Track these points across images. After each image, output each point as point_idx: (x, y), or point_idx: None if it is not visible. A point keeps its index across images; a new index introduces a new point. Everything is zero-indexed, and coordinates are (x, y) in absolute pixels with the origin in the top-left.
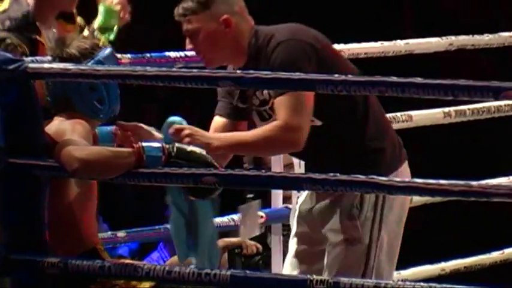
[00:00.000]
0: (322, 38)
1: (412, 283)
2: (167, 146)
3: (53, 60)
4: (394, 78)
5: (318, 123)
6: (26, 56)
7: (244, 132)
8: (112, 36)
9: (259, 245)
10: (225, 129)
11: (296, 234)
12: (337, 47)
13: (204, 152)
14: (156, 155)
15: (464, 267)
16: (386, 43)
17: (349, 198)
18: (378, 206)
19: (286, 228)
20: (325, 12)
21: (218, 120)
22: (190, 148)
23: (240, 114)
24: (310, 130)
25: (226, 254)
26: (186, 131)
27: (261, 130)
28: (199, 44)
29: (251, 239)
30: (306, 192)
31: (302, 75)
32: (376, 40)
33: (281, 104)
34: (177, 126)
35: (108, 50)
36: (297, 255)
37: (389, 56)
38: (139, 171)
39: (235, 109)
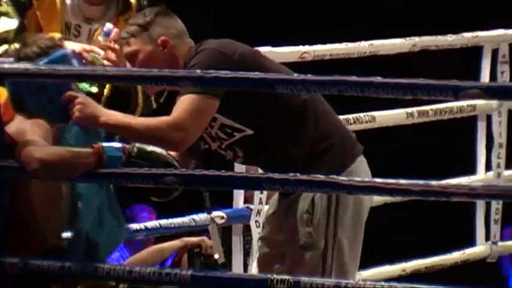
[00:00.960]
0: (248, 53)
1: (373, 282)
2: (127, 146)
3: (15, 61)
4: (354, 78)
5: (249, 132)
6: None
7: (135, 117)
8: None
9: None
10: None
11: (261, 238)
12: (302, 49)
13: (164, 152)
14: (116, 155)
15: (425, 267)
16: (350, 44)
17: (302, 204)
18: (331, 210)
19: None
20: (290, 16)
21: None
22: (150, 148)
23: None
24: (246, 140)
25: (186, 254)
26: (79, 99)
27: (149, 120)
28: (138, 64)
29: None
30: (276, 196)
31: (262, 75)
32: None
33: (179, 102)
34: (71, 93)
35: (63, 51)
36: (262, 257)
37: (365, 57)
38: (100, 171)
39: None
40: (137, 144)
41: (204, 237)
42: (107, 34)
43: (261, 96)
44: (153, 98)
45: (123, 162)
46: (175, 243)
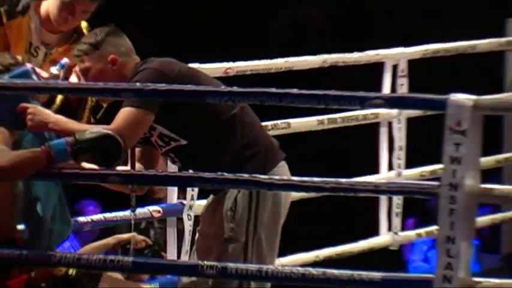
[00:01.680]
0: (186, 71)
1: (290, 267)
2: (68, 138)
3: None
4: (273, 90)
5: (183, 142)
6: None
7: (80, 123)
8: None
9: (148, 239)
10: (143, 152)
11: (198, 231)
12: (226, 65)
13: (103, 131)
14: (62, 148)
15: (336, 254)
16: (268, 61)
17: (227, 202)
18: (251, 208)
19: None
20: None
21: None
22: (88, 134)
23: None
24: (180, 148)
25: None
26: (30, 109)
27: (91, 127)
28: (91, 79)
29: (139, 233)
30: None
31: (193, 87)
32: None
33: (119, 113)
34: (24, 104)
35: (24, 68)
36: (198, 248)
37: (282, 72)
38: (51, 171)
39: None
40: (76, 135)
41: (135, 233)
42: (62, 67)
43: (194, 110)
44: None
45: (71, 152)
46: (109, 240)
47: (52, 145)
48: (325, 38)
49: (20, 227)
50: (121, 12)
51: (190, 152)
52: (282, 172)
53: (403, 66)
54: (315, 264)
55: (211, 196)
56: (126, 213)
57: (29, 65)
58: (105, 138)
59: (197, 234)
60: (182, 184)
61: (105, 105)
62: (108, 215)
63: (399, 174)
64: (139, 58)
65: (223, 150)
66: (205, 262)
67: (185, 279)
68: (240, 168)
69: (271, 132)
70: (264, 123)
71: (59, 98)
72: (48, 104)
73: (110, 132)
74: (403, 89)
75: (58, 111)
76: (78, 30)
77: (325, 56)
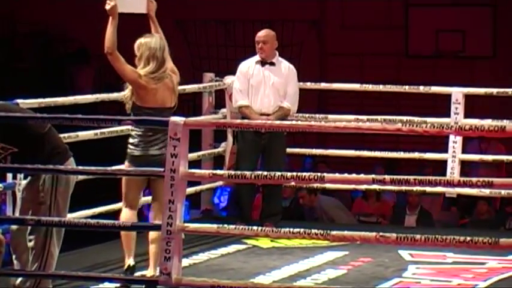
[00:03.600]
0: (9, 107)
1: (77, 219)
2: None
3: None
4: (67, 115)
5: (15, 149)
6: None
7: None
8: None
9: (1, 237)
10: None
11: (22, 198)
12: (37, 100)
13: None
14: None
15: (105, 211)
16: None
17: (39, 180)
18: (53, 184)
19: None
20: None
21: None
22: None
23: None
24: (16, 154)
25: None
26: None
27: None
28: None
29: None
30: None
31: (18, 114)
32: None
33: None
34: None
35: None
36: (20, 209)
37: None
38: None
39: None
40: None
41: None
42: None
43: (18, 131)
44: None
45: None
46: None
47: None
48: None
49: None
50: None
51: (24, 155)
52: (71, 164)
53: None
54: (92, 217)
55: (30, 178)
56: None
57: None
58: None
59: (22, 200)
60: (15, 171)
61: None
62: None
63: None
64: None
65: (39, 151)
66: (27, 217)
67: (14, 227)
68: (49, 162)
69: (66, 140)
70: (62, 135)
71: None
72: None
73: None
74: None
75: None
76: None
77: (102, 95)
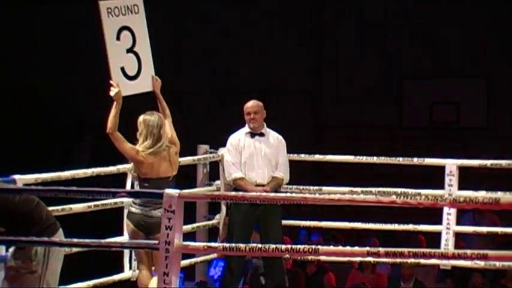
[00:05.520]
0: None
1: None
2: None
3: None
4: (62, 187)
5: (2, 229)
6: None
7: None
8: None
9: None
10: None
11: (11, 267)
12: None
13: None
14: None
15: (100, 283)
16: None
17: (31, 251)
18: (45, 255)
19: None
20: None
21: None
22: None
23: None
24: (7, 232)
25: None
26: None
27: None
28: None
29: None
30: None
31: (12, 186)
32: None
33: None
34: None
35: None
36: (8, 279)
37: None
38: None
39: None
40: None
41: None
42: None
43: (5, 213)
44: None
45: None
46: None
47: None
48: None
49: None
50: None
51: (15, 229)
52: (59, 236)
53: None
54: None
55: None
56: None
57: None
58: None
59: (10, 270)
60: (11, 244)
61: None
62: None
63: None
64: None
65: (31, 225)
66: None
67: None
68: (42, 234)
69: (58, 213)
70: (51, 208)
71: None
72: None
73: None
74: None
75: None
76: None
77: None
